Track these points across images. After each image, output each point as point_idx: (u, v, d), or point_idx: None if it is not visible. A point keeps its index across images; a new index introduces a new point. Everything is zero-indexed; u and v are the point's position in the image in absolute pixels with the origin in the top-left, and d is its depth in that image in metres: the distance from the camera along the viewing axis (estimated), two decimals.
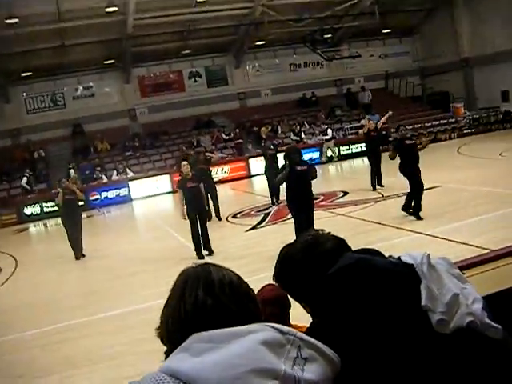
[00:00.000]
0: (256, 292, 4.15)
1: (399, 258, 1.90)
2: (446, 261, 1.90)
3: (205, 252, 12.35)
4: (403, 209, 12.91)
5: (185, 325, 1.55)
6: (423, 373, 1.66)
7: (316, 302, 1.89)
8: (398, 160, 13.21)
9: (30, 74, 29.22)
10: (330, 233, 2.12)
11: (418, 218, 12.59)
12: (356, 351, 1.70)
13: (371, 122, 19.45)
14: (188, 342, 1.49)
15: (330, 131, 28.89)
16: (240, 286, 1.65)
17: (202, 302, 1.56)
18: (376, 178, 17.49)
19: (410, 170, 12.88)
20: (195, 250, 12.22)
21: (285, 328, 1.51)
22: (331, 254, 1.96)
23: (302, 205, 10.88)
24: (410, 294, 1.74)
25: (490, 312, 1.77)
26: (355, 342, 1.72)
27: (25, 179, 26.26)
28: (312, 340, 1.52)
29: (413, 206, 12.79)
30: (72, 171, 26.46)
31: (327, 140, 28.70)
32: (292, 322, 3.97)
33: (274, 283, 4.06)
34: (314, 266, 1.96)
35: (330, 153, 29.04)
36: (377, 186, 17.34)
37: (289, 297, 3.89)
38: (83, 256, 14.57)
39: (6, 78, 29.10)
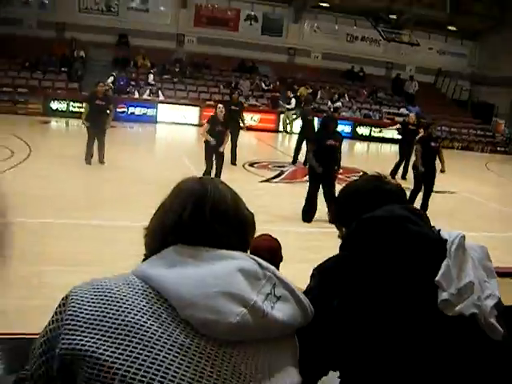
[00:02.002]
0: None
1: (439, 230, 1.91)
2: (483, 250, 1.89)
3: None
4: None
5: (164, 235, 1.55)
6: (412, 343, 1.68)
7: (345, 238, 1.95)
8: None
9: None
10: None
11: None
12: (357, 300, 1.73)
13: (411, 114, 19.27)
14: (168, 251, 1.50)
15: (293, 101, 27.70)
16: (236, 212, 1.63)
17: (187, 217, 1.55)
18: (403, 169, 17.36)
19: (426, 170, 12.61)
20: None
21: (264, 263, 1.52)
22: (395, 195, 2.08)
23: (321, 177, 10.77)
24: (430, 267, 1.74)
25: (501, 315, 1.76)
26: (359, 289, 1.75)
27: (111, 78, 26.54)
28: (289, 282, 1.53)
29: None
30: (111, 78, 26.58)
31: (288, 109, 27.57)
32: None
33: (270, 234, 4.07)
34: (377, 198, 2.02)
35: (287, 123, 27.86)
36: (395, 177, 17.24)
37: (281, 251, 3.94)
38: (103, 163, 14.58)
39: None
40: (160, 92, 27.67)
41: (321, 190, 10.85)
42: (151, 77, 28.63)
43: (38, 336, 1.47)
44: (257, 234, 4.21)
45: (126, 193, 11.68)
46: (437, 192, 13.22)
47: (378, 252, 1.78)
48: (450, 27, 33.84)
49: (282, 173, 16.17)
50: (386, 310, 1.70)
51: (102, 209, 10.36)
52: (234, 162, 16.45)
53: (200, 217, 1.55)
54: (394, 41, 31.87)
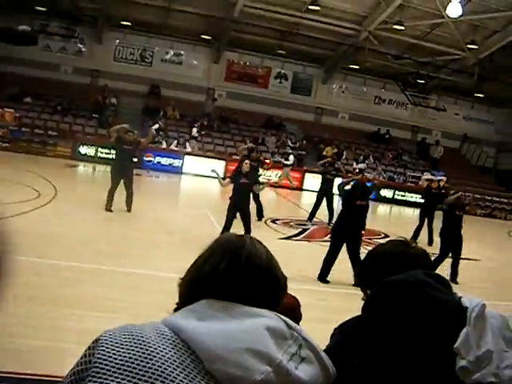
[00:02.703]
0: None
1: (460, 297, 1.90)
2: (503, 319, 1.84)
3: None
4: (451, 280, 12.56)
5: (199, 287, 1.60)
6: None
7: (367, 301, 1.97)
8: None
9: (128, 24, 29.82)
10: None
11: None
12: (375, 363, 1.74)
13: (434, 181, 19.27)
14: (200, 304, 1.54)
15: (291, 157, 28.06)
16: (269, 269, 1.68)
17: (222, 268, 1.60)
18: (428, 236, 17.14)
19: (450, 237, 12.53)
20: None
21: (293, 324, 1.56)
22: (420, 260, 2.15)
23: (346, 239, 10.67)
24: (449, 334, 1.73)
25: None
26: (378, 353, 1.76)
27: (156, 126, 26.98)
28: (314, 343, 1.56)
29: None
30: (157, 126, 26.93)
31: (286, 165, 27.67)
32: None
33: (290, 293, 4.12)
34: (402, 262, 2.08)
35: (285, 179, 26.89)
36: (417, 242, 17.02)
37: (300, 309, 3.98)
38: (129, 211, 14.40)
39: (105, 21, 29.77)
40: (187, 143, 28.01)
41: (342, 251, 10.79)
42: (194, 130, 29.14)
43: (59, 378, 1.47)
44: None
45: (149, 242, 11.65)
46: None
47: (398, 316, 1.79)
48: (476, 94, 33.98)
49: (303, 231, 16.10)
50: (403, 374, 1.70)
51: (124, 257, 10.22)
52: (259, 217, 16.51)
53: (235, 267, 1.60)
54: (421, 105, 32.15)
